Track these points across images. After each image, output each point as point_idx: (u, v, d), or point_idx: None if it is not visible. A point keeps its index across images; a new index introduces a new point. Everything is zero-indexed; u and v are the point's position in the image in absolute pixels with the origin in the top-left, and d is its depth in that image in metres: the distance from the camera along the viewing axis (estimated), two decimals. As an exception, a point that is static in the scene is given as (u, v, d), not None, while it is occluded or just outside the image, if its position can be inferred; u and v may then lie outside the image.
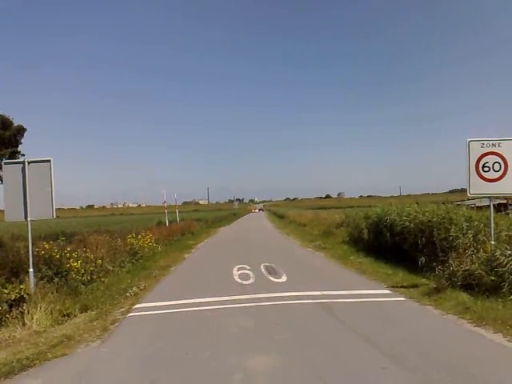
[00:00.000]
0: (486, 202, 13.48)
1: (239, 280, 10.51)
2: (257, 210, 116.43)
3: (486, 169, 8.49)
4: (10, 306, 6.89)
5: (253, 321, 6.71)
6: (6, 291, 6.96)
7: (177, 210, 32.79)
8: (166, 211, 29.77)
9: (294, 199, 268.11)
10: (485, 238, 8.77)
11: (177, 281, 11.12)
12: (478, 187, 8.58)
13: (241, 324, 6.54)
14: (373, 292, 8.57)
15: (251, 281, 10.38)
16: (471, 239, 9.01)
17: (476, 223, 9.50)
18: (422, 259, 10.00)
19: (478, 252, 8.20)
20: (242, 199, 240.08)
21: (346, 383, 4.25)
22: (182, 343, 5.77)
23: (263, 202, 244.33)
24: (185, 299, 8.44)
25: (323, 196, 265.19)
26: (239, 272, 11.62)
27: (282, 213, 62.51)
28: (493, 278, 7.26)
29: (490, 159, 8.47)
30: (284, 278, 10.53)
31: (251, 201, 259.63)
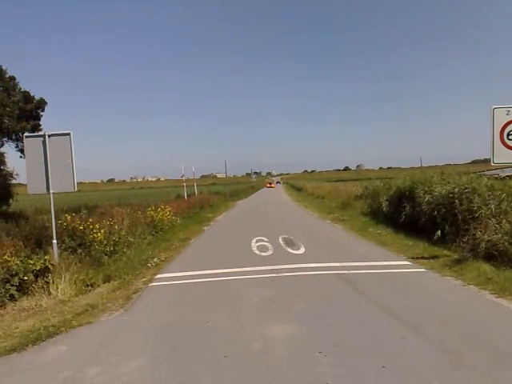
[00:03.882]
0: (509, 172, 13.09)
1: (258, 252, 10.58)
2: (274, 184, 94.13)
3: (511, 137, 8.20)
4: (36, 276, 7.08)
5: (272, 291, 6.77)
6: (31, 262, 7.14)
7: (195, 184, 32.95)
8: (185, 185, 29.96)
9: (311, 172, 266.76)
10: (508, 208, 8.55)
11: (196, 252, 11.26)
12: (502, 156, 8.30)
13: (260, 294, 6.60)
14: (393, 263, 8.51)
15: (270, 252, 10.44)
16: (494, 210, 8.79)
17: (499, 193, 9.25)
18: (443, 231, 9.83)
19: (501, 222, 8.00)
20: (260, 172, 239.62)
21: (364, 352, 4.25)
22: (203, 312, 5.87)
23: (281, 174, 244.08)
24: (205, 270, 8.57)
25: (341, 168, 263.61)
26: (258, 244, 11.70)
27: (299, 185, 62.34)
28: (517, 248, 7.10)
29: (516, 127, 8.16)
30: (302, 250, 10.55)
31: (269, 174, 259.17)
